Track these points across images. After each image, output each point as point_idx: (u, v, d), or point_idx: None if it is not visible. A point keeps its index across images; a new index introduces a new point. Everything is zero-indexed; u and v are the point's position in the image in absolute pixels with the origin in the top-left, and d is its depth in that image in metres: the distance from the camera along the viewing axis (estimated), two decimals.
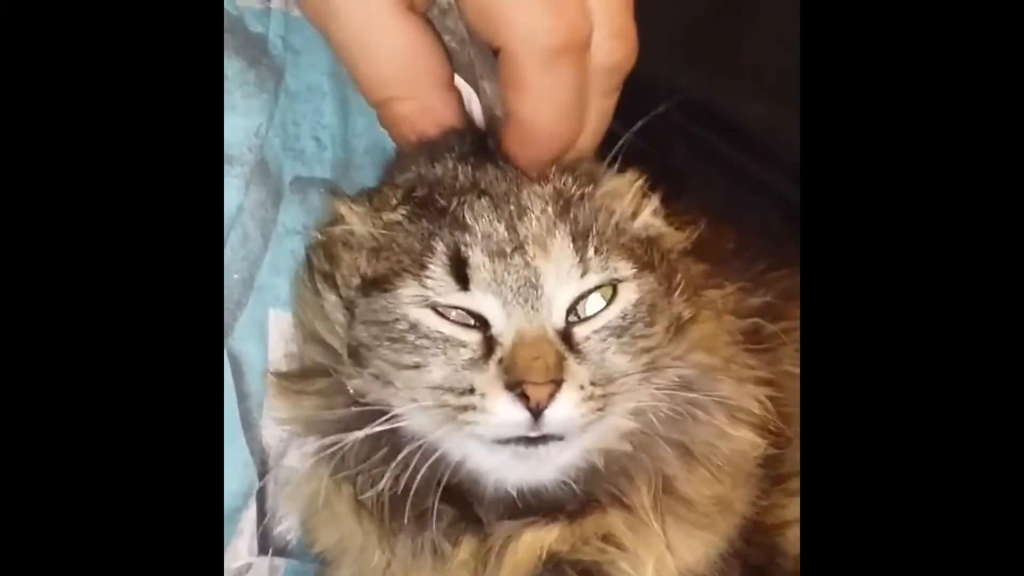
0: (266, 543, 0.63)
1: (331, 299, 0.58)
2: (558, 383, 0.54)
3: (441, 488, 0.57)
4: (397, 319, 0.56)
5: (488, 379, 0.54)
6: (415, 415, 0.56)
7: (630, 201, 0.60)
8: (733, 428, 0.60)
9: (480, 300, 0.55)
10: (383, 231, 0.58)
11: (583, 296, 0.57)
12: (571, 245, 0.56)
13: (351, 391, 0.57)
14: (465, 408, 0.54)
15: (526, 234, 0.56)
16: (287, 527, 0.63)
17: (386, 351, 0.56)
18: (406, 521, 0.58)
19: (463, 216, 0.56)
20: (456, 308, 0.56)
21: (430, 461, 0.56)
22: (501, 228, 0.56)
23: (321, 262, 0.60)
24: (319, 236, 0.61)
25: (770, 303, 0.66)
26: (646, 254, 0.59)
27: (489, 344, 0.55)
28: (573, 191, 0.58)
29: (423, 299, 0.56)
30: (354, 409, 0.57)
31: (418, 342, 0.56)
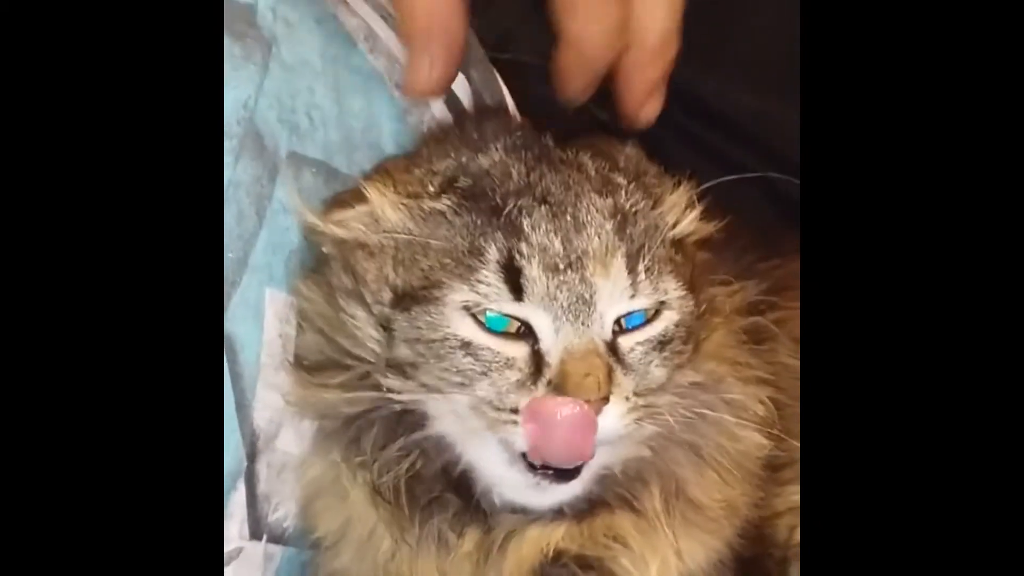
0: (259, 528, 0.61)
1: (360, 315, 0.57)
2: (607, 397, 0.54)
3: (450, 478, 0.57)
4: (446, 338, 0.54)
5: (538, 393, 0.54)
6: (450, 422, 0.56)
7: (677, 212, 0.60)
8: (740, 430, 0.60)
9: (531, 312, 0.54)
10: (420, 221, 0.56)
11: (631, 314, 0.56)
12: (626, 265, 0.55)
13: (386, 389, 0.56)
14: (510, 423, 0.54)
15: (584, 249, 0.55)
16: (284, 514, 0.62)
17: (433, 368, 0.55)
18: (417, 509, 0.57)
19: (520, 223, 0.55)
20: (508, 316, 0.55)
21: (446, 453, 0.56)
22: (558, 242, 0.54)
23: (340, 278, 0.58)
24: (331, 235, 0.59)
25: (764, 294, 0.67)
26: (682, 262, 0.59)
27: (537, 361, 0.54)
28: (629, 207, 0.57)
29: (473, 305, 0.54)
30: (380, 406, 0.57)
31: (466, 361, 0.54)
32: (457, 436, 0.56)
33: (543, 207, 0.55)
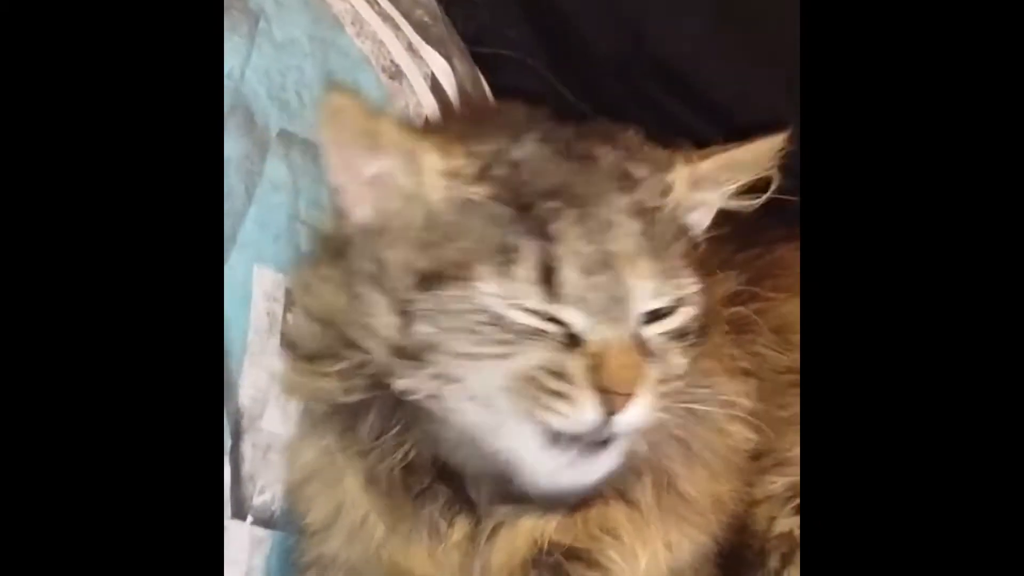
0: (242, 509, 0.60)
1: (378, 300, 0.56)
2: (639, 390, 0.55)
3: (441, 468, 0.58)
4: (475, 310, 0.55)
5: (579, 369, 0.54)
6: (473, 412, 0.56)
7: (684, 190, 0.61)
8: (729, 424, 0.61)
9: (565, 311, 0.55)
10: (455, 206, 0.56)
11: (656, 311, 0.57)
12: (652, 264, 0.56)
13: (398, 391, 0.56)
14: (554, 394, 0.54)
15: (614, 251, 0.55)
16: (271, 496, 0.61)
17: (457, 343, 0.55)
18: (410, 497, 0.58)
19: (551, 225, 0.55)
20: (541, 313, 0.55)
21: (440, 441, 0.57)
22: (589, 245, 0.55)
23: (362, 263, 0.58)
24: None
25: (744, 285, 0.68)
26: (694, 254, 0.60)
27: (574, 338, 0.55)
28: (649, 203, 0.58)
29: (508, 299, 0.55)
30: (376, 395, 0.57)
31: (498, 334, 0.54)
32: (480, 428, 0.56)
33: (573, 211, 0.56)
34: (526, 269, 0.54)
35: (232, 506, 0.59)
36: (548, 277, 0.55)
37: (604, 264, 0.55)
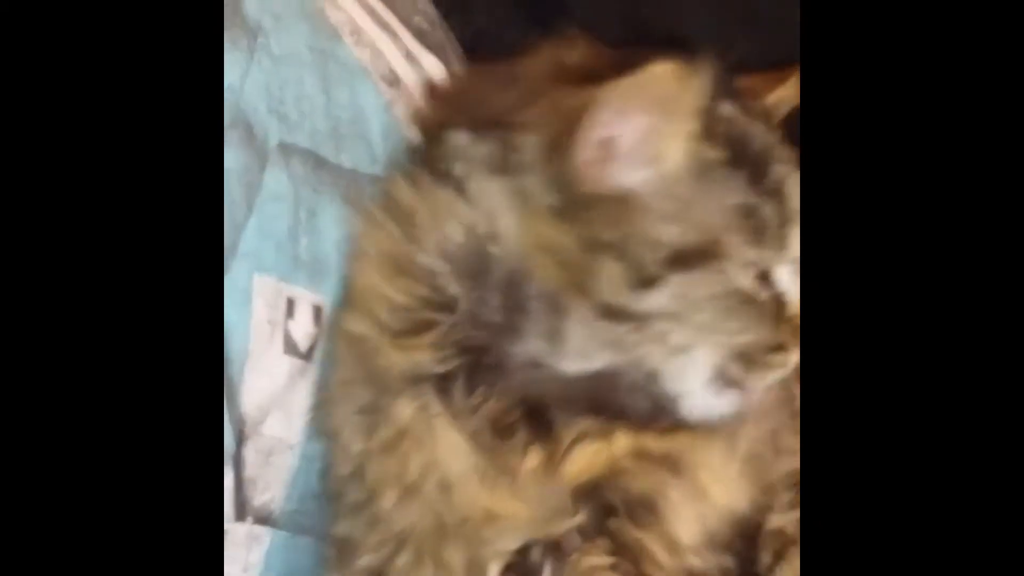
0: (243, 511, 0.61)
1: (612, 267, 0.56)
2: None
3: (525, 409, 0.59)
4: (728, 291, 0.57)
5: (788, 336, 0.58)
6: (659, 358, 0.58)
7: None
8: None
9: (782, 270, 0.58)
10: (696, 170, 0.57)
11: None
12: None
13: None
14: (768, 366, 0.58)
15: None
16: (271, 496, 0.63)
17: (701, 318, 0.57)
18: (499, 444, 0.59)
19: (783, 188, 0.57)
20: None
21: (530, 385, 0.58)
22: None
23: (596, 228, 0.57)
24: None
25: None
26: None
27: (781, 304, 0.58)
28: None
29: (757, 266, 0.57)
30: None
31: (740, 308, 0.57)
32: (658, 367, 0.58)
33: (792, 167, 0.58)
34: (772, 228, 0.57)
35: (235, 509, 0.61)
36: (784, 237, 0.57)
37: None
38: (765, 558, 0.65)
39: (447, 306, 0.59)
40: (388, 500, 0.61)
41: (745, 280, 0.57)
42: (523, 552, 0.60)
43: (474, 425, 0.59)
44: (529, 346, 0.58)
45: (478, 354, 0.59)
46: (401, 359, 0.59)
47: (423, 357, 0.59)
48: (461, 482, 0.59)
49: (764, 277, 0.58)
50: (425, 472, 0.60)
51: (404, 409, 0.60)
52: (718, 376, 0.58)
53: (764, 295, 0.58)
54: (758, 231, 0.57)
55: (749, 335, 0.58)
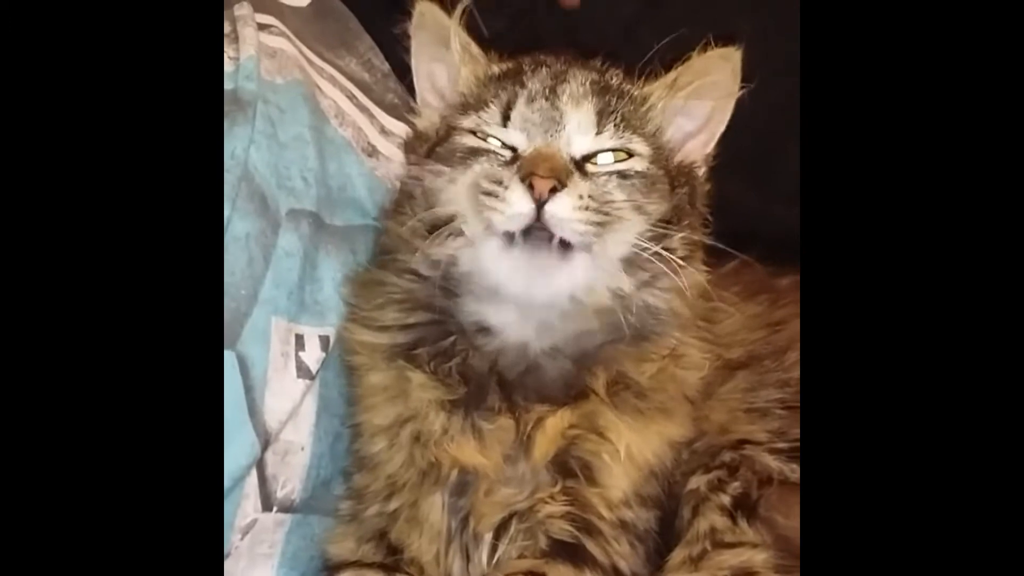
0: (269, 502, 0.77)
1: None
2: (561, 184, 0.69)
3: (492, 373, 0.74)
4: (456, 149, 0.76)
5: (509, 174, 0.71)
6: (466, 223, 0.72)
7: (660, 114, 0.78)
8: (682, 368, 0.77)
9: (512, 134, 0.74)
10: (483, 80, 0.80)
11: (600, 152, 0.74)
12: (594, 108, 0.74)
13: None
14: (490, 195, 0.70)
15: (561, 90, 0.75)
16: (291, 488, 0.78)
17: (450, 171, 0.74)
18: (466, 394, 0.74)
19: (524, 79, 0.76)
20: (493, 137, 0.75)
21: (484, 350, 0.74)
22: (542, 85, 0.75)
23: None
24: None
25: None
26: (673, 169, 0.77)
27: (516, 158, 0.73)
28: (614, 83, 0.78)
29: (474, 126, 0.75)
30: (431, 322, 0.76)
31: (468, 158, 0.74)
32: (471, 259, 0.73)
33: (543, 69, 0.77)
34: (496, 106, 0.76)
35: (261, 502, 0.77)
36: (507, 110, 0.75)
37: (548, 96, 0.74)
38: (686, 513, 0.77)
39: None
40: (377, 445, 0.77)
41: (469, 139, 0.77)
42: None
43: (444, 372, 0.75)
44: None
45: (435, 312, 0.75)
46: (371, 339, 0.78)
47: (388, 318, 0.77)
48: (431, 434, 0.74)
49: (504, 144, 0.76)
50: (401, 422, 0.76)
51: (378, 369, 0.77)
52: (497, 236, 0.71)
53: (504, 153, 0.75)
54: (485, 108, 0.77)
55: (470, 173, 0.74)
